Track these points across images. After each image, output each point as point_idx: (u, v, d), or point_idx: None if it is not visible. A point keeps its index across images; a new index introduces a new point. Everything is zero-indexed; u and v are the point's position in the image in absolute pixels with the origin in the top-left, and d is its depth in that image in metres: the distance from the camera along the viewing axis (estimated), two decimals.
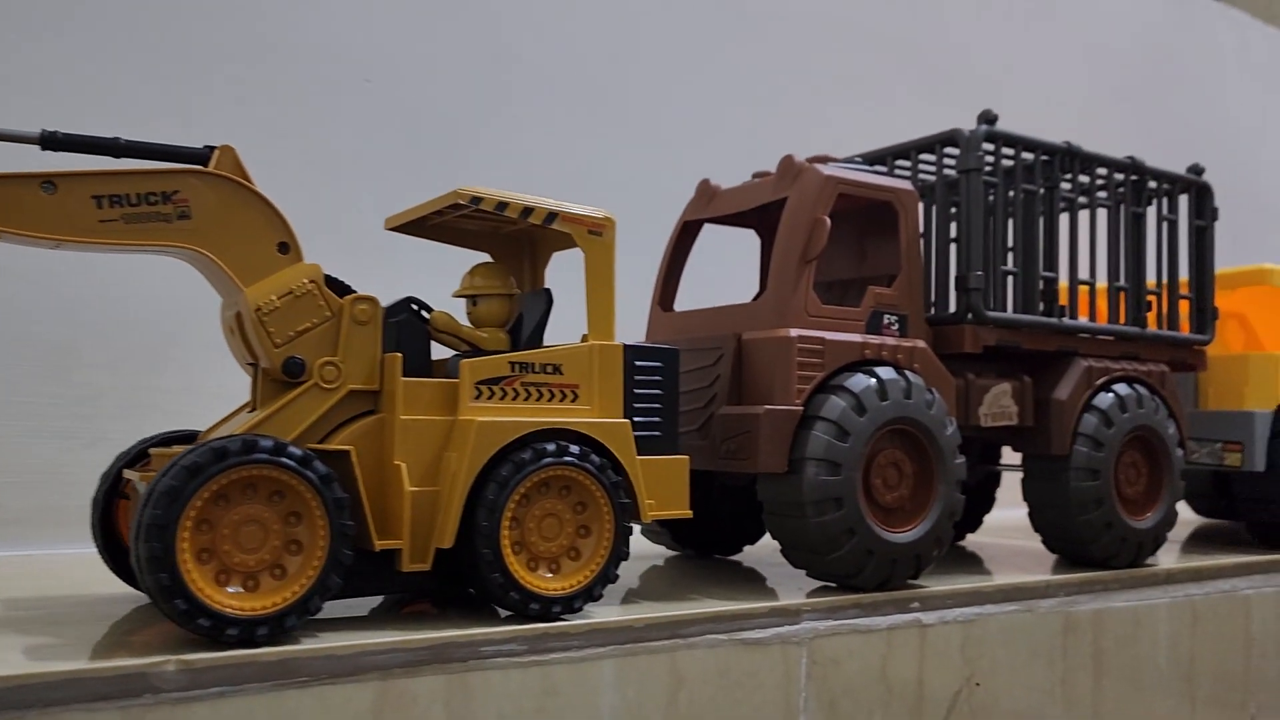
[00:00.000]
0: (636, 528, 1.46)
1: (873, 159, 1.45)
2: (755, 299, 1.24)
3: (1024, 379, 1.37)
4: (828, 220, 1.20)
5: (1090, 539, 1.38)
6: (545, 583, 0.97)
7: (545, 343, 1.07)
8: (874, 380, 1.17)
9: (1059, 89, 2.64)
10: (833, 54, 2.26)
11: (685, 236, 1.42)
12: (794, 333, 1.16)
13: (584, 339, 1.06)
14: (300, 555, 0.85)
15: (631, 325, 1.43)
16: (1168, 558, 1.53)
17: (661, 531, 1.44)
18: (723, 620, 1.06)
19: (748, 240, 1.48)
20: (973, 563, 1.45)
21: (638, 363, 1.08)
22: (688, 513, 1.09)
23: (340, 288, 0.98)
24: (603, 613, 1.01)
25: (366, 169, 1.72)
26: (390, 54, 1.77)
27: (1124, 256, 1.48)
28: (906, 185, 1.30)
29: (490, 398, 0.99)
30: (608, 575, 1.00)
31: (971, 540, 1.75)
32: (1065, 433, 1.36)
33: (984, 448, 1.62)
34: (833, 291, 1.40)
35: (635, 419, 1.06)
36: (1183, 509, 2.41)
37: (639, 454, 1.05)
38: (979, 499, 1.71)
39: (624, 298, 1.10)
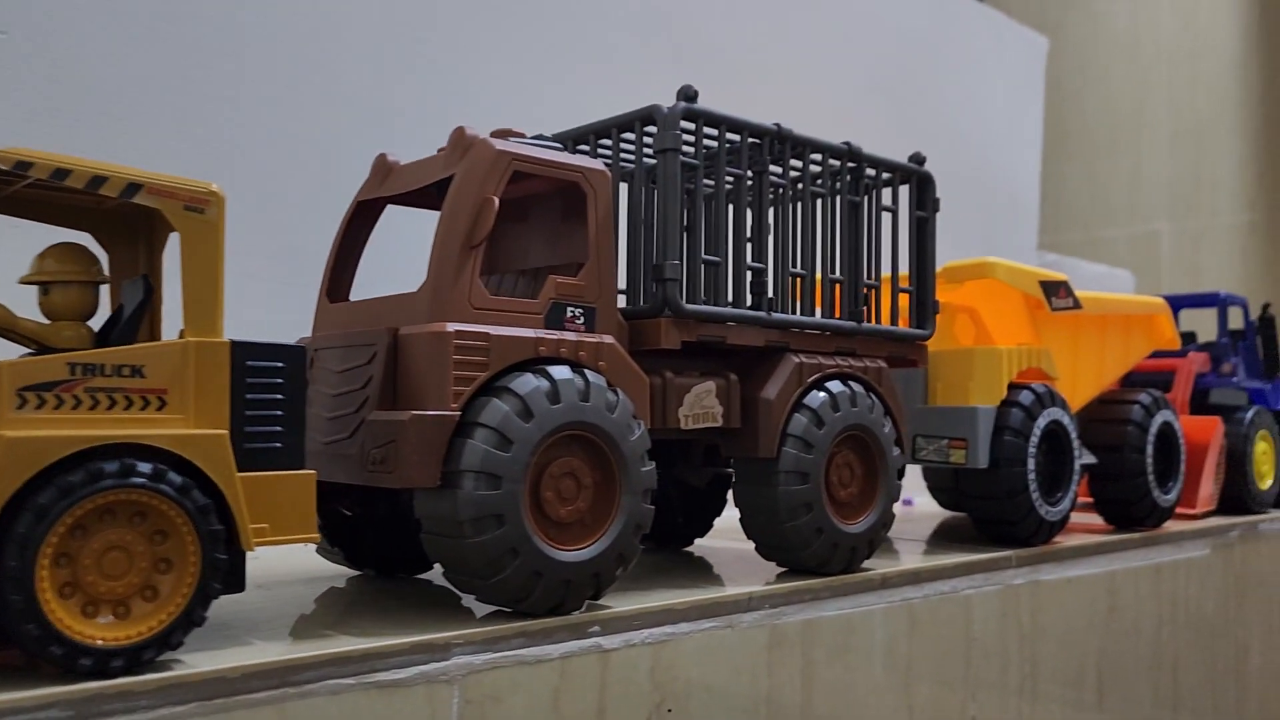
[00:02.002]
0: (311, 547, 1.30)
1: (574, 137, 1.33)
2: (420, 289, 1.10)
3: (730, 377, 1.28)
4: (496, 200, 1.07)
5: (801, 545, 1.30)
6: (102, 631, 0.80)
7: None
8: (545, 381, 1.04)
9: (814, 79, 2.61)
10: (571, 28, 2.14)
11: (360, 218, 1.26)
12: (451, 327, 1.02)
13: (181, 335, 0.89)
14: None
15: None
16: (887, 560, 1.48)
17: (334, 551, 1.28)
18: (349, 661, 0.91)
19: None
20: (677, 575, 1.35)
21: (251, 363, 0.92)
22: (314, 537, 0.94)
23: None
24: (196, 661, 0.85)
25: None
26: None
27: (840, 247, 1.41)
28: (596, 165, 1.18)
29: (40, 407, 0.81)
30: (192, 618, 0.84)
31: (700, 545, 1.66)
32: (773, 434, 1.28)
33: (709, 448, 1.53)
34: (521, 285, 1.27)
35: (248, 429, 0.90)
36: (928, 503, 2.42)
37: (250, 469, 0.89)
38: (708, 502, 1.62)
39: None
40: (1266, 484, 2.40)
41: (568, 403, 1.05)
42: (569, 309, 1.13)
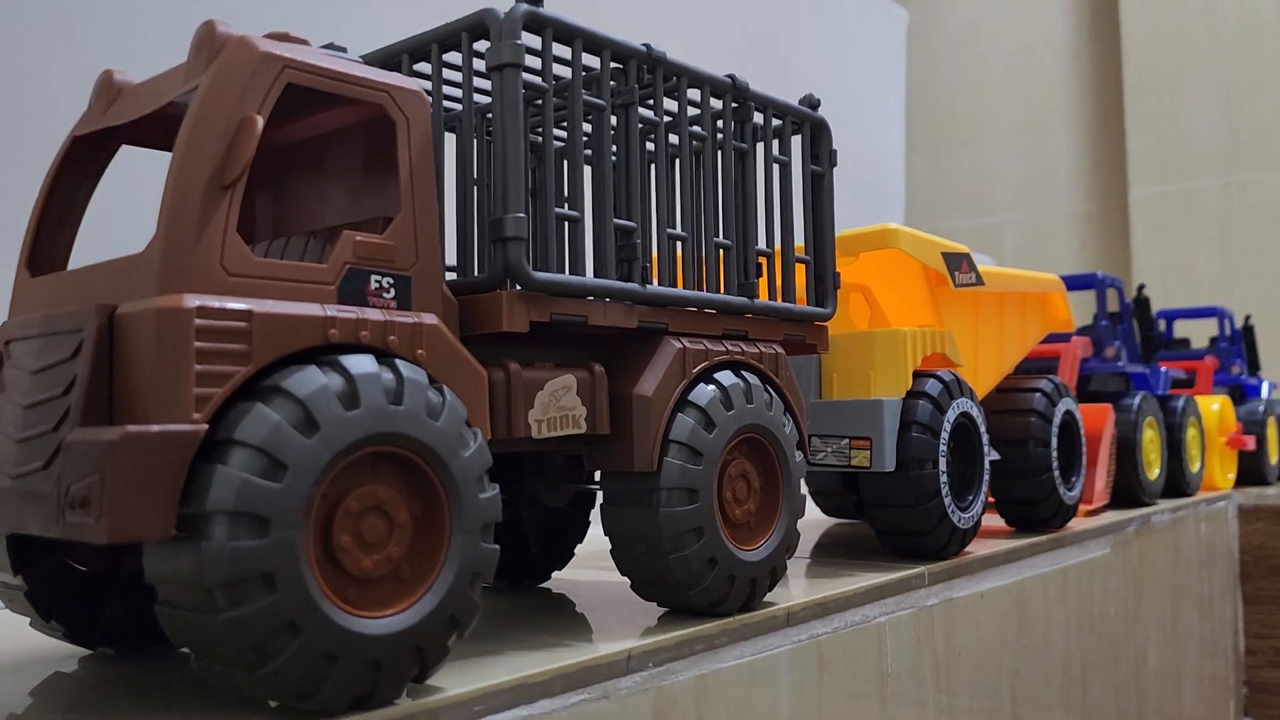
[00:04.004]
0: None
1: (380, 60, 1.01)
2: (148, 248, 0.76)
3: (594, 369, 0.98)
4: (259, 120, 0.75)
5: (690, 581, 1.02)
6: None
7: None
8: (337, 378, 0.73)
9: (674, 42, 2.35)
10: None
11: (78, 159, 0.91)
12: (191, 302, 0.70)
13: None
14: None
15: None
16: (787, 591, 1.21)
17: (52, 625, 0.92)
18: None
19: None
20: (532, 629, 1.05)
21: None
22: None
23: None
24: None
25: None
26: None
27: (727, 206, 1.13)
28: (408, 83, 0.87)
29: None
30: None
31: (559, 580, 1.36)
32: (652, 440, 0.99)
33: (570, 460, 1.23)
34: (311, 251, 0.94)
35: None
36: (809, 509, 2.18)
37: None
38: (568, 525, 1.32)
39: None
40: (1154, 473, 2.27)
41: (371, 407, 0.73)
42: (373, 277, 0.81)
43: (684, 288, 1.08)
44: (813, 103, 1.25)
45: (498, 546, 0.81)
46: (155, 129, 0.87)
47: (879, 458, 1.35)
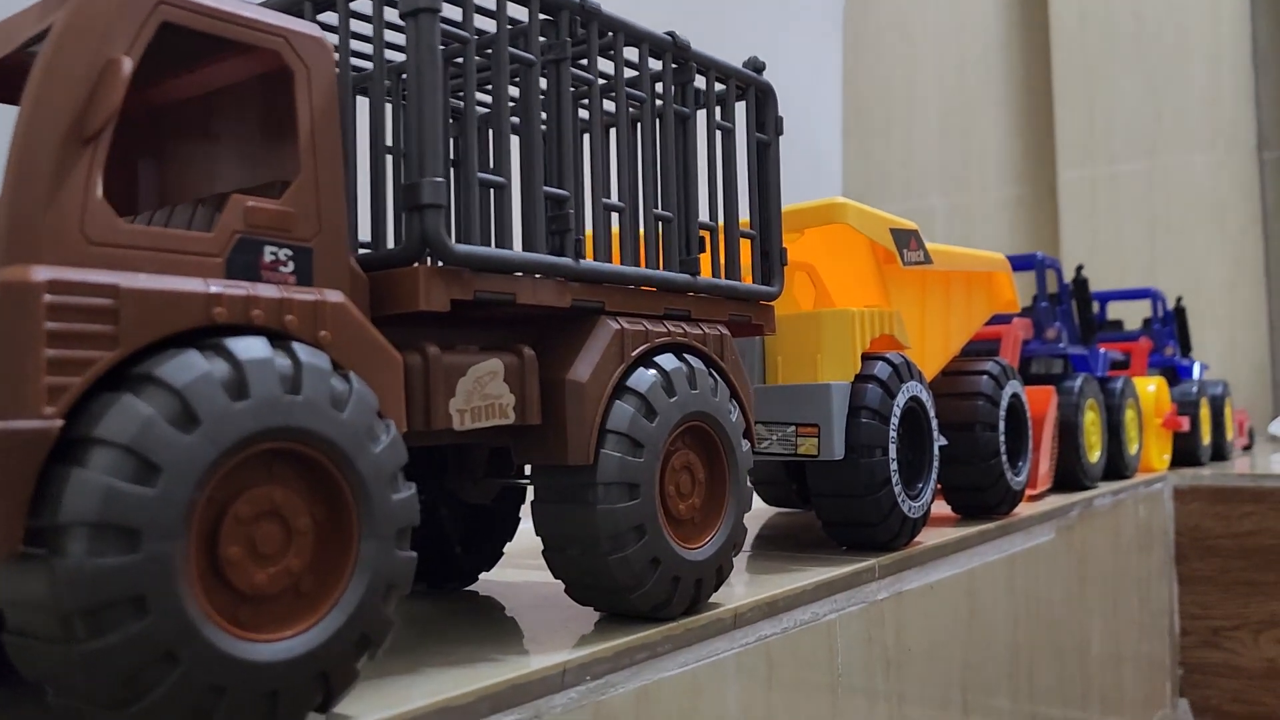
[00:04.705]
0: None
1: (280, 4, 0.90)
2: None
3: (524, 353, 0.89)
4: (126, 62, 0.64)
5: (631, 584, 0.93)
6: None
7: None
8: (222, 364, 0.62)
9: None
10: None
11: None
12: (40, 275, 0.59)
13: None
14: None
15: None
16: (732, 591, 1.13)
17: None
18: None
19: None
20: (454, 641, 0.96)
21: None
22: None
23: None
24: None
25: None
26: None
27: (668, 175, 1.04)
28: (309, 28, 0.76)
29: None
30: None
31: (487, 582, 1.26)
32: (588, 431, 0.90)
33: (495, 451, 1.13)
34: (198, 220, 0.83)
35: None
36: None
37: None
38: (495, 523, 1.22)
39: None
40: (1095, 456, 2.24)
41: (263, 398, 0.63)
42: (268, 248, 0.71)
43: (622, 264, 0.98)
44: (758, 66, 1.16)
45: (414, 553, 0.72)
46: (3, 80, 0.76)
47: (827, 446, 1.28)
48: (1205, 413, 2.98)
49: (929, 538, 1.48)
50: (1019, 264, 2.45)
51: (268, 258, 0.71)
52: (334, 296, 0.72)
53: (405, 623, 1.04)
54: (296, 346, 0.67)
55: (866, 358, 1.35)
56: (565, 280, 0.91)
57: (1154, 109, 5.04)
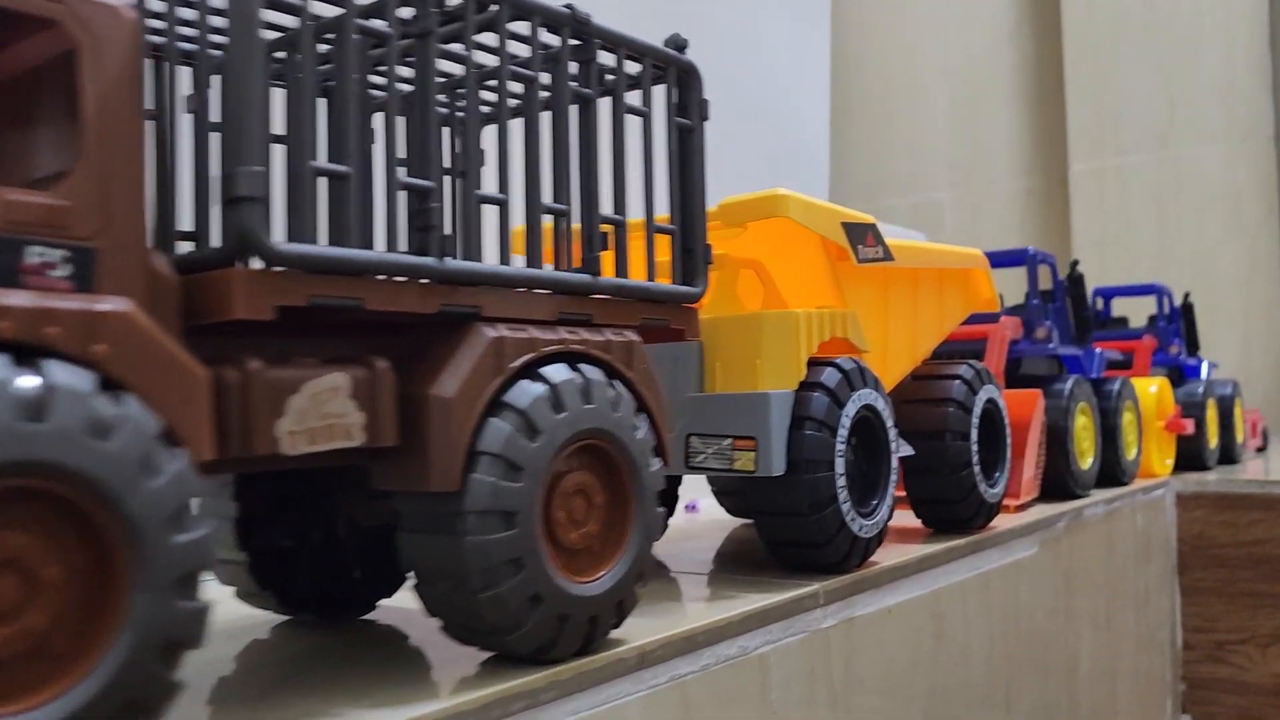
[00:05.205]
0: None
1: None
2: None
3: (376, 366, 0.78)
4: None
5: (508, 624, 0.82)
6: None
7: None
8: None
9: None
10: None
11: None
12: None
13: None
14: None
15: None
16: (645, 619, 1.02)
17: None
18: None
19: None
20: (326, 684, 0.85)
21: None
22: None
23: None
24: None
25: None
26: None
27: (563, 164, 0.94)
28: None
29: None
30: None
31: (388, 610, 1.16)
32: (454, 453, 0.79)
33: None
34: None
35: None
36: (713, 508, 2.01)
37: None
38: (378, 555, 1.11)
39: None
40: (1087, 462, 2.12)
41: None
42: (31, 249, 0.61)
43: (503, 263, 0.88)
44: (679, 44, 1.05)
45: (203, 606, 0.61)
46: None
47: (765, 461, 1.17)
48: (1212, 414, 2.84)
49: (889, 557, 1.37)
50: (1010, 260, 2.34)
51: (30, 260, 0.60)
52: (116, 305, 0.62)
53: (280, 660, 0.94)
54: (51, 365, 0.57)
55: (814, 363, 1.24)
56: (430, 283, 0.80)
57: (1167, 98, 4.89)
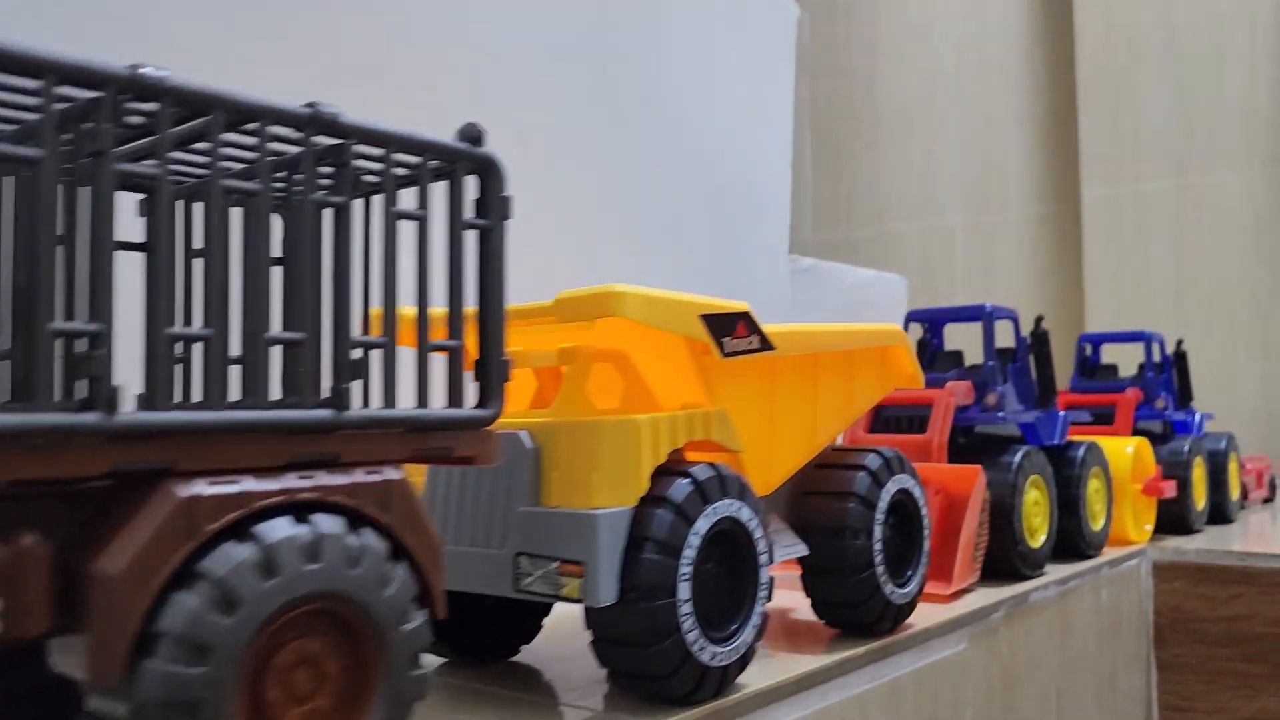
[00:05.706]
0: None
1: None
2: None
3: (22, 541, 0.67)
4: None
5: None
6: None
7: None
8: None
9: (495, 57, 2.04)
10: None
11: None
12: None
13: None
14: None
15: None
16: None
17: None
18: None
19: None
20: None
21: None
22: None
23: None
24: None
25: None
26: None
27: (301, 283, 0.83)
28: None
29: None
30: None
31: None
32: (120, 639, 0.69)
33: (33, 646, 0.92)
34: None
35: None
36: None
37: None
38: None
39: None
40: (1039, 540, 1.97)
41: None
42: None
43: (211, 401, 0.77)
44: (473, 135, 0.94)
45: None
46: None
47: (592, 588, 1.05)
48: (1199, 474, 2.68)
49: (764, 677, 1.24)
50: (965, 315, 2.20)
51: None
52: None
53: None
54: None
55: (663, 472, 1.12)
56: (92, 440, 0.70)
57: (1184, 124, 4.70)
